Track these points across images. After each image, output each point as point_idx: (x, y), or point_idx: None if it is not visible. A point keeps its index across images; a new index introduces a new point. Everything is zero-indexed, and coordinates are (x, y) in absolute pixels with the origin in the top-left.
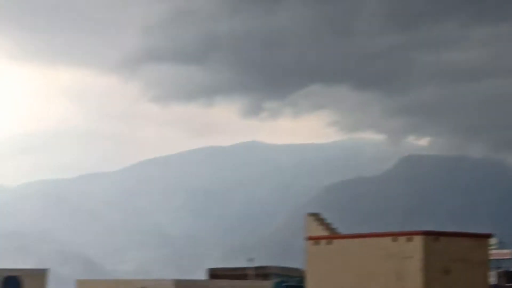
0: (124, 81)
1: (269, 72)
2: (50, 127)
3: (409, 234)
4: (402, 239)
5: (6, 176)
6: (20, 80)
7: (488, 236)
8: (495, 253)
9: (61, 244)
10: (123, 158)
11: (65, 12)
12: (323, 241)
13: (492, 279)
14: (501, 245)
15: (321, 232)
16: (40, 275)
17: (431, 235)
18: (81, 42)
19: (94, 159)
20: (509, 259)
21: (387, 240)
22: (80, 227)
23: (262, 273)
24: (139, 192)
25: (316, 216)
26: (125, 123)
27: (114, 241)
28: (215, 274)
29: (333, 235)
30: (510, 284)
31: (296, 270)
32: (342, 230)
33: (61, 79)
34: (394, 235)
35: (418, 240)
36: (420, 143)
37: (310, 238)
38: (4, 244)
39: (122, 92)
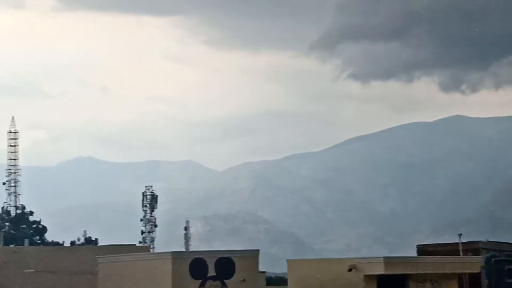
0: (324, 61)
1: (469, 44)
2: (254, 110)
3: None
4: None
5: (215, 160)
6: (227, 65)
7: None
8: None
9: (269, 224)
10: (328, 137)
11: None
12: None
13: None
14: None
15: None
16: (251, 256)
17: None
18: (280, 24)
19: (299, 139)
20: None
21: None
22: (288, 207)
23: (472, 248)
24: (345, 170)
25: None
26: (327, 102)
27: (321, 220)
28: (424, 250)
29: None
30: None
31: (508, 244)
32: None
33: (262, 62)
34: None
35: None
36: None
37: None
38: (214, 226)
39: (321, 72)
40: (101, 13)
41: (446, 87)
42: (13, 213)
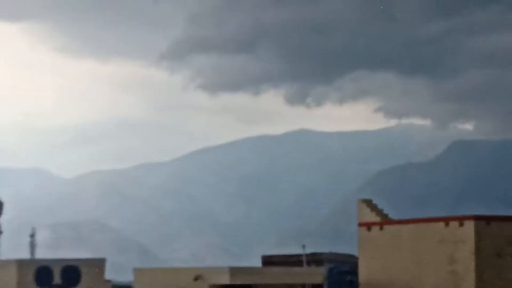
0: (173, 71)
1: (315, 58)
2: (103, 118)
3: (461, 219)
4: (454, 224)
5: (63, 167)
6: (76, 72)
7: None
8: None
9: (116, 233)
10: (176, 147)
11: (114, 6)
12: (375, 227)
13: None
14: None
15: (373, 218)
16: (98, 264)
17: (483, 220)
18: (130, 33)
19: (148, 149)
20: None
21: (439, 225)
22: (135, 216)
23: (315, 259)
24: (192, 180)
25: (367, 202)
26: (176, 112)
27: (168, 229)
28: (269, 261)
29: (385, 221)
30: None
31: (349, 256)
32: (393, 215)
33: (112, 71)
34: (446, 220)
35: (470, 225)
36: (466, 127)
37: (362, 224)
38: (61, 234)
39: (171, 82)
40: None
41: (292, 101)
42: None
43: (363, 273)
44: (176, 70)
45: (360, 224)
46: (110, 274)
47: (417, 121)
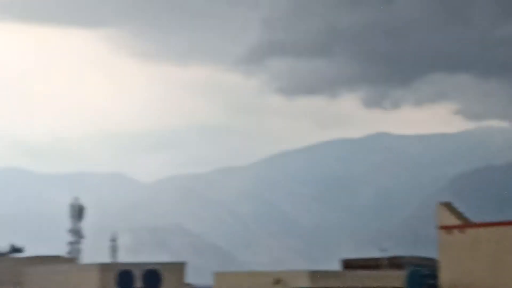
0: (249, 76)
1: (392, 61)
2: (182, 123)
3: None
4: None
5: (142, 173)
6: (154, 78)
7: None
8: None
9: (195, 236)
10: (254, 152)
11: (190, 11)
12: (455, 230)
13: None
14: None
15: (453, 221)
16: (178, 268)
17: None
18: (207, 39)
19: (226, 153)
20: None
21: None
22: (214, 220)
23: (395, 263)
24: (270, 184)
25: (448, 205)
26: (253, 117)
27: (246, 233)
28: (349, 264)
29: (466, 224)
30: None
31: (430, 259)
32: (474, 219)
33: (189, 76)
34: None
35: None
36: None
37: (443, 227)
38: (142, 238)
39: (248, 86)
40: (28, 24)
41: (369, 104)
42: None
43: (444, 277)
44: (253, 74)
45: (441, 227)
46: (190, 277)
47: (496, 123)
